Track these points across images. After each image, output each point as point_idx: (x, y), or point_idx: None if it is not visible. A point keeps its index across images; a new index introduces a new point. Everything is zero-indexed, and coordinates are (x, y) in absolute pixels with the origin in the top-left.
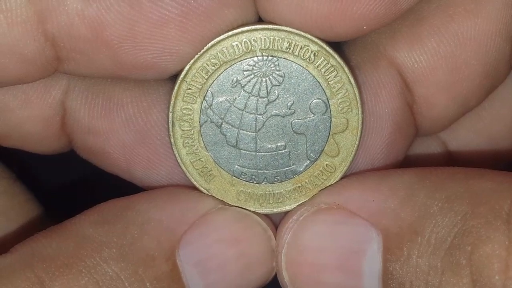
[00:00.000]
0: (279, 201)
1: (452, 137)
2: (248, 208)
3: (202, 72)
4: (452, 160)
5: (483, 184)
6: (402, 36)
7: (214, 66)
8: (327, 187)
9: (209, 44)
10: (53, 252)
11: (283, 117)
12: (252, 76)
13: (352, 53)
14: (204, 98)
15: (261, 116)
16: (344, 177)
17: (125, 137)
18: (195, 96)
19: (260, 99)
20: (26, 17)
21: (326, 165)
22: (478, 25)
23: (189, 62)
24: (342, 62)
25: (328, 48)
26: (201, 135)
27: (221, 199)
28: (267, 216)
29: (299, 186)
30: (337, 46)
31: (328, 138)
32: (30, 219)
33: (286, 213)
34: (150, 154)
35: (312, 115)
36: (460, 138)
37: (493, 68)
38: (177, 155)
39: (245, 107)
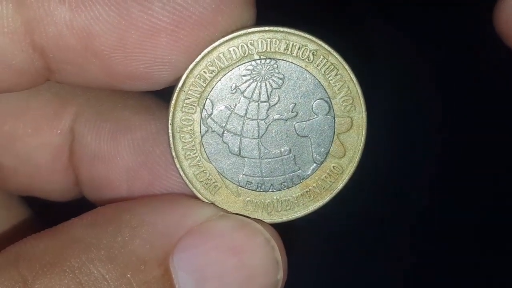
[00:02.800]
0: (288, 208)
1: None
2: (256, 218)
3: (200, 80)
4: None
5: None
6: None
7: (211, 73)
8: None
9: (206, 51)
10: (39, 252)
11: (286, 120)
12: (251, 80)
13: None
14: (203, 107)
15: (263, 122)
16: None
17: (129, 161)
18: (194, 106)
19: (261, 104)
20: (13, 28)
21: (333, 167)
22: None
23: (183, 71)
24: (342, 60)
25: (326, 47)
26: (203, 146)
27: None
28: (271, 226)
29: (307, 191)
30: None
31: (333, 139)
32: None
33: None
34: (151, 178)
35: (315, 116)
36: None
37: None
38: (179, 168)
39: (246, 114)
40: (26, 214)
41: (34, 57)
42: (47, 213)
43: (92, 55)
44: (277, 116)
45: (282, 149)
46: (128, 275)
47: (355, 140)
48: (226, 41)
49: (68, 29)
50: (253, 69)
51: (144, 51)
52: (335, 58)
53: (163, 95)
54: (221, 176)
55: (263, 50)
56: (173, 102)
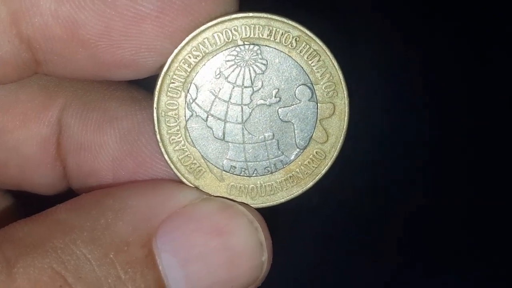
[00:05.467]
0: (271, 193)
1: None
2: (240, 202)
3: (185, 65)
4: None
5: None
6: None
7: (196, 58)
8: None
9: (190, 36)
10: (23, 234)
11: (269, 106)
12: (235, 66)
13: None
14: (188, 92)
15: (246, 107)
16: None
17: (115, 150)
18: (179, 90)
19: (244, 89)
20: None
21: (316, 152)
22: None
23: (168, 57)
24: (324, 46)
25: (309, 33)
26: (188, 130)
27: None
28: (254, 209)
29: (290, 176)
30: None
31: (316, 124)
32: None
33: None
34: (136, 165)
35: (298, 101)
36: None
37: None
38: (164, 153)
39: (230, 99)
40: (12, 208)
41: (21, 48)
42: (35, 209)
43: (78, 44)
44: (260, 102)
45: (266, 134)
46: (111, 255)
47: (337, 125)
48: (210, 26)
49: (53, 19)
50: (237, 54)
51: (129, 38)
52: (318, 44)
53: (149, 87)
54: (205, 161)
55: (247, 36)
56: (158, 86)
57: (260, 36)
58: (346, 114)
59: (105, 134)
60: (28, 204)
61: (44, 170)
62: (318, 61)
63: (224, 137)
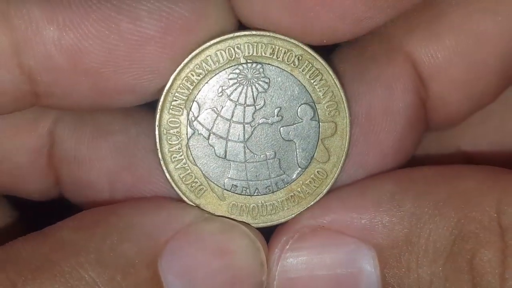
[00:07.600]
0: (272, 212)
1: (465, 136)
2: (241, 221)
3: (187, 82)
4: (466, 158)
5: (467, 184)
6: (419, 31)
7: (199, 76)
8: (308, 208)
9: (193, 53)
10: (27, 255)
11: (271, 124)
12: (238, 84)
13: (367, 45)
14: (190, 109)
15: (248, 125)
16: (335, 184)
17: (111, 163)
18: (181, 108)
19: (247, 107)
20: (0, 49)
21: (317, 171)
22: (497, 23)
23: (169, 76)
24: (326, 65)
25: (311, 52)
26: (189, 148)
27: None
28: (256, 228)
29: (291, 196)
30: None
31: (317, 144)
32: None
33: (279, 225)
34: (134, 180)
35: (300, 120)
36: (473, 137)
37: (510, 67)
38: (165, 171)
39: (232, 117)
40: (10, 215)
41: (21, 79)
42: (30, 213)
43: (81, 73)
44: (262, 120)
45: (267, 153)
46: (118, 278)
47: (339, 145)
48: (213, 44)
49: (56, 49)
50: (239, 72)
51: (133, 63)
52: (320, 63)
53: (146, 104)
54: (207, 179)
55: (250, 54)
56: (160, 103)
57: (263, 54)
58: (348, 134)
59: (99, 148)
60: (23, 207)
61: (36, 179)
62: (320, 80)
63: (226, 156)
